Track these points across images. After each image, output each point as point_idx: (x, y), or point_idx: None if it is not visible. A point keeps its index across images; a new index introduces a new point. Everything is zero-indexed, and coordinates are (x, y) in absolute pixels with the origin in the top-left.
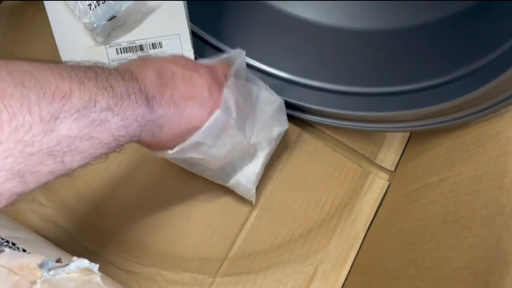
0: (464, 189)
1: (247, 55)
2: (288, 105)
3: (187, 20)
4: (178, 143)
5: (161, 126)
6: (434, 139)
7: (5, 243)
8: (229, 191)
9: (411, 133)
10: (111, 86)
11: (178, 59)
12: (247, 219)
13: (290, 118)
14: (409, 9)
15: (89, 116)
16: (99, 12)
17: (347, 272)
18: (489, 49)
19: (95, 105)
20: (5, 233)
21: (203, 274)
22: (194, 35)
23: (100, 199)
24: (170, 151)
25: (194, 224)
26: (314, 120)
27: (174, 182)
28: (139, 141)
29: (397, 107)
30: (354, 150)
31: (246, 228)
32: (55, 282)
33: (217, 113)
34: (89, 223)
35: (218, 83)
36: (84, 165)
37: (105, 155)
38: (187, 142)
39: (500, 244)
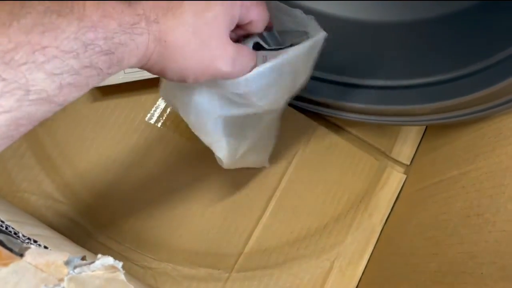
0: (488, 183)
1: None
2: (304, 99)
3: None
4: (216, 49)
5: (157, 21)
6: (452, 132)
7: (26, 240)
8: (245, 187)
9: (427, 126)
10: None
11: None
12: (262, 214)
13: (307, 112)
14: (429, 1)
15: (19, 22)
16: None
17: (363, 267)
18: (508, 43)
19: (27, 11)
20: (26, 231)
21: (219, 270)
22: None
23: (116, 196)
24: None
25: (210, 220)
26: (330, 114)
27: (190, 179)
28: (151, 59)
29: (415, 100)
30: (370, 144)
31: (261, 223)
32: (81, 280)
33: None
34: (105, 219)
35: None
36: (72, 88)
37: (98, 70)
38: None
39: None
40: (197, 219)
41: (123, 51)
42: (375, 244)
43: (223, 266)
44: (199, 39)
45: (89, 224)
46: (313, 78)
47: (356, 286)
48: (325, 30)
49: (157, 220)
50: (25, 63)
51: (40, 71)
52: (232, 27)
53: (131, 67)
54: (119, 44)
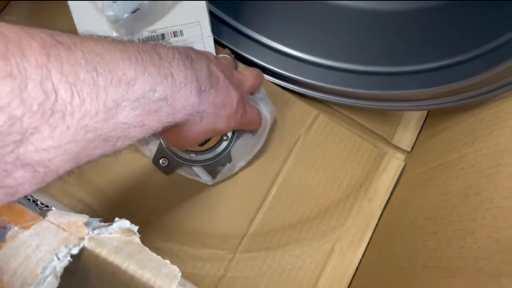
0: (486, 164)
1: (263, 34)
2: (305, 85)
3: (207, 8)
4: (197, 143)
5: (201, 119)
6: (452, 118)
7: (45, 207)
8: (249, 172)
9: (427, 113)
10: (172, 75)
11: (222, 64)
12: (266, 197)
13: (308, 98)
14: None
15: (147, 105)
16: (123, 5)
17: (363, 250)
18: (506, 28)
19: (154, 94)
20: (44, 199)
21: (223, 250)
22: (211, 15)
23: (124, 177)
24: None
25: (215, 202)
26: (332, 100)
27: None
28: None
29: (415, 85)
30: (371, 131)
31: (265, 205)
32: (100, 240)
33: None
34: (113, 200)
35: (244, 99)
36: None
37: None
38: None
39: None
40: (203, 201)
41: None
42: (375, 228)
43: (227, 246)
44: (199, 137)
45: (98, 204)
46: (315, 64)
47: (356, 268)
48: (326, 18)
49: (164, 202)
50: (130, 137)
51: (128, 141)
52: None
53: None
54: (175, 124)
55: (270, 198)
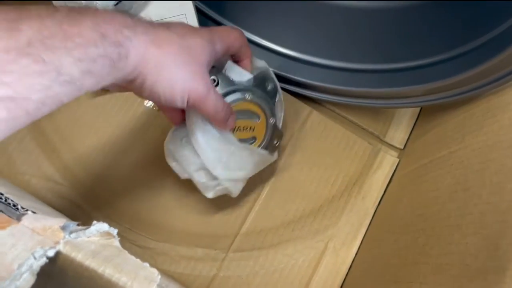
0: (475, 159)
1: (253, 33)
2: (298, 84)
3: (193, 3)
4: (194, 74)
5: (157, 34)
6: (444, 114)
7: (25, 212)
8: None
9: (420, 111)
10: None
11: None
12: (258, 196)
13: (301, 96)
14: None
15: (54, 16)
16: (106, 4)
17: (357, 248)
18: (496, 23)
19: (57, 10)
20: (25, 203)
21: (215, 250)
22: (198, 12)
23: (114, 178)
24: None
25: (207, 202)
26: (325, 98)
27: None
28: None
29: (407, 82)
30: (364, 129)
31: (257, 204)
32: (76, 244)
33: None
34: (105, 201)
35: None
36: (90, 75)
37: (110, 60)
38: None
39: None
40: (195, 201)
41: (129, 46)
42: (368, 226)
43: (219, 246)
44: (184, 56)
45: (89, 205)
46: (306, 62)
47: (350, 267)
48: (317, 15)
49: (155, 202)
50: (59, 48)
51: (69, 56)
52: (212, 62)
53: (131, 76)
54: (125, 38)
55: (263, 197)
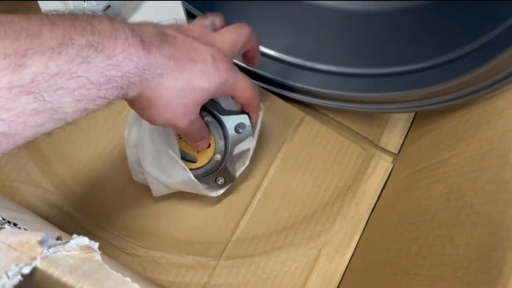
0: (468, 168)
1: None
2: (292, 88)
3: (182, 4)
4: (183, 115)
5: (162, 75)
6: (438, 119)
7: (6, 223)
8: None
9: (415, 115)
10: (91, 24)
11: (186, 27)
12: (250, 202)
13: (294, 101)
14: None
15: (66, 52)
16: (94, 4)
17: (350, 255)
18: (490, 27)
19: (72, 42)
20: (7, 214)
21: (207, 257)
22: (188, 14)
23: (104, 185)
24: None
25: (198, 208)
26: (318, 103)
27: None
28: (140, 97)
29: (401, 87)
30: (358, 133)
31: (249, 211)
32: (55, 259)
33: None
34: (94, 208)
35: (224, 54)
36: (84, 112)
37: (107, 100)
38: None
39: (504, 220)
40: (185, 207)
41: (131, 89)
42: (362, 233)
43: (211, 253)
44: (179, 102)
45: (78, 213)
46: (299, 66)
47: (343, 273)
48: (310, 19)
49: (145, 208)
50: (61, 88)
51: (69, 96)
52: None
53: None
54: (131, 83)
55: (255, 203)
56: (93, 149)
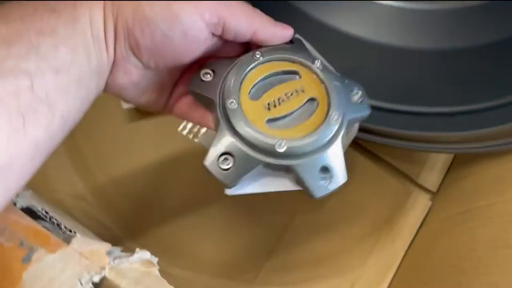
0: None
1: None
2: None
3: None
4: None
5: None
6: (481, 162)
7: (68, 232)
8: (270, 203)
9: (455, 155)
10: None
11: None
12: (285, 231)
13: None
14: (464, 31)
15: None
16: None
17: None
18: None
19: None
20: (67, 223)
21: (239, 282)
22: None
23: (144, 202)
24: None
25: (234, 233)
26: (358, 136)
27: (217, 191)
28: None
29: (445, 128)
30: (397, 169)
31: (284, 240)
32: (120, 270)
33: None
34: (132, 224)
35: None
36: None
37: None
38: None
39: None
40: (221, 231)
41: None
42: (397, 269)
43: (243, 278)
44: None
45: (117, 227)
46: None
47: None
48: (353, 53)
49: (182, 229)
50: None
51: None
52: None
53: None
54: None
55: (290, 231)
56: (137, 166)
